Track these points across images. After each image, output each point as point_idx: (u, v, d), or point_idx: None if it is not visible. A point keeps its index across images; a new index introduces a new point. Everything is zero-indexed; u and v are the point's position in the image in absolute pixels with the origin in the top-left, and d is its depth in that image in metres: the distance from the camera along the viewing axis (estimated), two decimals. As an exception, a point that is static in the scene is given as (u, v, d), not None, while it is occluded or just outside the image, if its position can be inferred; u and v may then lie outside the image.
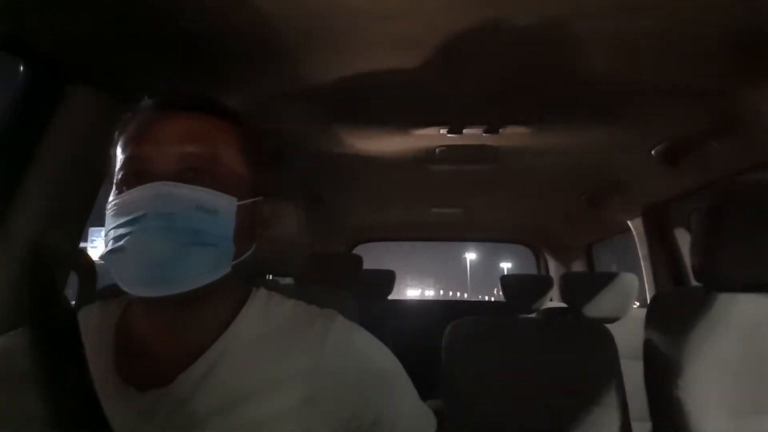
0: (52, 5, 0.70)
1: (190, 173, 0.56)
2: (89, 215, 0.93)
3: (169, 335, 0.60)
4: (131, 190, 0.55)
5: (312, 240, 1.03)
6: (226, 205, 0.57)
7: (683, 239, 1.94)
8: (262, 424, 0.56)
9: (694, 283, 1.09)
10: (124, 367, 0.59)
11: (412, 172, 1.79)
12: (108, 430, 0.52)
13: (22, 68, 0.81)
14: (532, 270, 3.46)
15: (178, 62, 0.91)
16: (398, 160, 1.66)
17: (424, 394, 0.69)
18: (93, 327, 0.62)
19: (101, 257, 0.57)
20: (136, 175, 0.56)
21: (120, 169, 0.58)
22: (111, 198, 0.57)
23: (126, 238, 0.53)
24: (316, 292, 0.98)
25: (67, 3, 0.70)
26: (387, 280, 2.81)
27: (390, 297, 2.85)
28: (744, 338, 0.94)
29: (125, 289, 0.55)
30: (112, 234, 0.55)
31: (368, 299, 2.31)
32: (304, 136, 1.42)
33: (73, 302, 0.89)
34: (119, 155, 0.58)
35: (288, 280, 1.27)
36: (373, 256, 2.78)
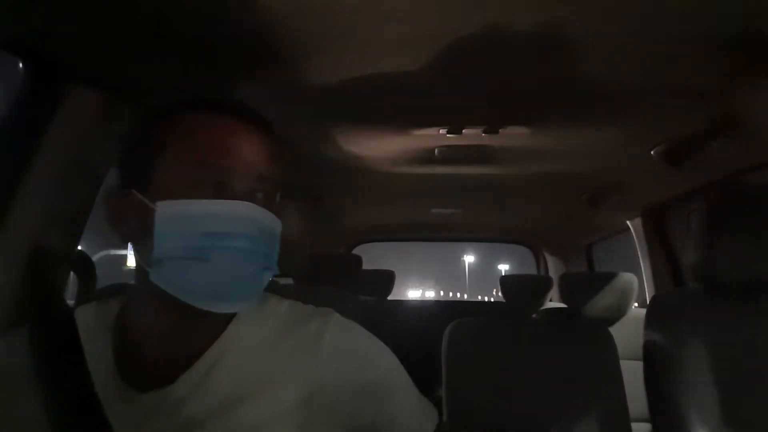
0: (52, 5, 0.70)
1: (261, 195, 0.58)
2: (89, 215, 0.93)
3: (169, 337, 0.60)
4: (219, 202, 0.54)
5: (311, 240, 1.03)
6: (278, 227, 0.60)
7: (683, 239, 1.94)
8: (262, 424, 0.56)
9: (693, 283, 1.09)
10: (123, 368, 0.59)
11: (411, 172, 1.79)
12: (108, 431, 0.52)
13: (22, 68, 0.81)
14: (530, 271, 3.46)
15: (178, 63, 0.91)
16: (398, 160, 1.66)
17: (424, 394, 0.69)
18: (90, 327, 0.62)
19: (160, 256, 0.54)
20: (215, 184, 0.55)
21: (186, 170, 0.55)
22: (175, 201, 0.54)
23: (210, 251, 0.53)
24: (315, 292, 0.98)
25: (67, 3, 0.70)
26: (386, 280, 2.81)
27: (389, 298, 2.85)
28: (743, 338, 0.94)
29: (186, 298, 0.55)
30: (189, 241, 0.53)
31: (368, 299, 2.31)
32: (304, 136, 1.42)
33: (73, 302, 0.89)
34: (175, 152, 0.56)
35: (288, 281, 1.27)
36: (372, 258, 2.77)
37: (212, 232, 0.53)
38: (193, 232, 0.53)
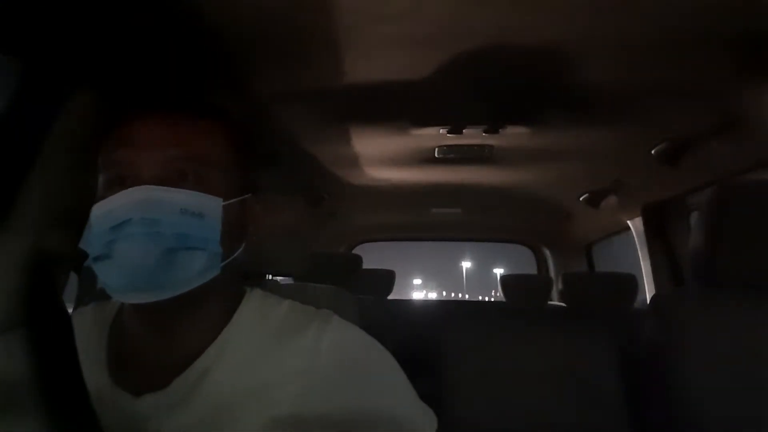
0: (52, 6, 0.70)
1: (175, 176, 0.56)
2: (89, 216, 0.93)
3: (163, 339, 0.59)
4: (114, 196, 0.54)
5: (311, 239, 1.03)
6: (212, 206, 0.56)
7: (683, 239, 1.94)
8: (258, 428, 0.56)
9: (693, 283, 1.09)
10: (117, 372, 0.59)
11: (412, 172, 1.79)
12: None
13: (22, 69, 0.81)
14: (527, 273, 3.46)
15: (178, 63, 0.91)
16: (398, 160, 1.66)
17: (424, 394, 0.69)
18: (87, 329, 0.62)
19: (86, 264, 0.57)
20: (120, 180, 0.55)
21: (103, 174, 0.57)
22: (94, 205, 0.56)
23: (111, 245, 0.53)
24: (315, 292, 0.98)
25: (67, 4, 0.70)
26: (386, 280, 2.81)
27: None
28: (743, 338, 0.94)
29: (113, 296, 0.55)
30: (96, 241, 0.54)
31: (368, 299, 2.31)
32: (304, 136, 1.42)
33: (73, 303, 0.89)
34: (102, 161, 0.58)
35: (288, 281, 1.27)
36: (371, 258, 2.78)
37: (112, 225, 0.53)
38: (101, 231, 0.54)
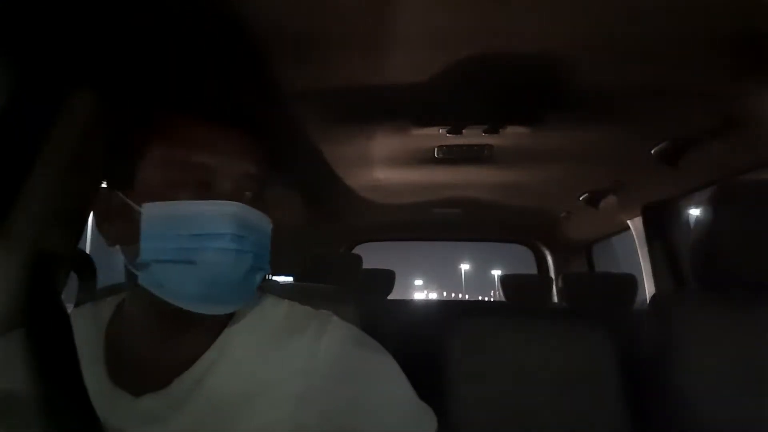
0: (52, 6, 0.70)
1: (248, 194, 0.57)
2: (89, 216, 0.93)
3: (164, 340, 0.59)
4: (205, 202, 0.54)
5: (311, 239, 1.03)
6: (268, 227, 0.59)
7: (683, 239, 1.94)
8: (258, 429, 0.56)
9: (693, 283, 1.09)
10: (116, 372, 0.58)
11: (412, 172, 1.79)
12: None
13: (21, 69, 0.81)
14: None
15: (178, 64, 0.91)
16: (398, 160, 1.66)
17: (423, 394, 0.69)
18: (85, 329, 0.62)
19: (147, 259, 0.53)
20: (202, 185, 0.55)
21: (170, 170, 0.55)
22: (167, 202, 0.54)
23: (196, 253, 0.52)
24: (315, 292, 0.98)
25: (67, 5, 0.70)
26: (386, 280, 2.81)
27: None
28: (743, 338, 0.94)
29: (175, 301, 0.54)
30: (172, 243, 0.53)
31: (367, 299, 2.31)
32: (304, 136, 1.42)
33: (73, 302, 0.89)
34: (159, 153, 0.56)
35: (288, 280, 1.27)
36: (370, 258, 2.78)
37: (199, 233, 0.53)
38: (179, 233, 0.53)
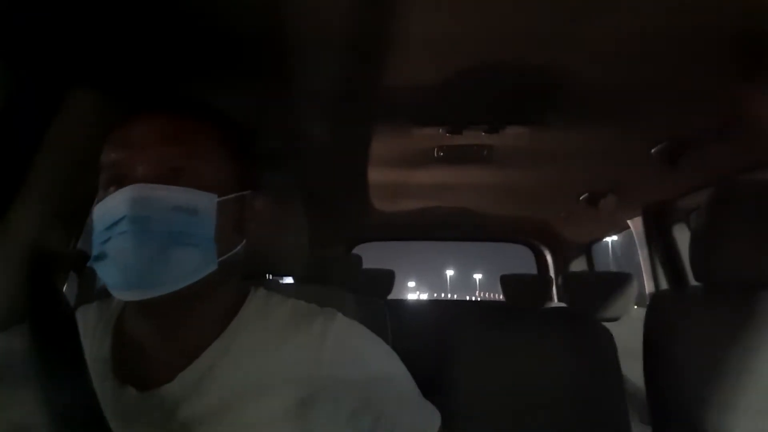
0: (52, 6, 0.70)
1: (169, 173, 0.56)
2: (89, 216, 0.93)
3: (167, 336, 0.60)
4: (109, 196, 0.55)
5: (310, 239, 1.03)
6: (206, 202, 0.57)
7: (683, 239, 1.94)
8: (262, 424, 0.56)
9: (693, 282, 1.09)
10: (122, 368, 0.59)
11: (411, 172, 1.79)
12: (106, 430, 0.52)
13: (21, 68, 0.81)
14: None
15: (177, 64, 0.91)
16: (398, 160, 1.66)
17: (424, 393, 0.69)
18: (91, 327, 0.62)
19: (88, 264, 0.58)
20: (116, 180, 0.56)
21: (101, 176, 0.58)
22: (95, 206, 0.58)
23: (106, 244, 0.54)
24: (315, 291, 0.98)
25: (67, 5, 0.70)
26: (386, 280, 2.81)
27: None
28: (743, 337, 0.94)
29: (113, 293, 0.56)
30: (95, 240, 0.55)
31: (367, 298, 2.32)
32: (304, 136, 1.42)
33: (73, 302, 0.89)
34: (100, 163, 0.59)
35: (288, 280, 1.27)
36: (370, 258, 2.78)
37: (106, 226, 0.54)
38: (96, 232, 0.55)
